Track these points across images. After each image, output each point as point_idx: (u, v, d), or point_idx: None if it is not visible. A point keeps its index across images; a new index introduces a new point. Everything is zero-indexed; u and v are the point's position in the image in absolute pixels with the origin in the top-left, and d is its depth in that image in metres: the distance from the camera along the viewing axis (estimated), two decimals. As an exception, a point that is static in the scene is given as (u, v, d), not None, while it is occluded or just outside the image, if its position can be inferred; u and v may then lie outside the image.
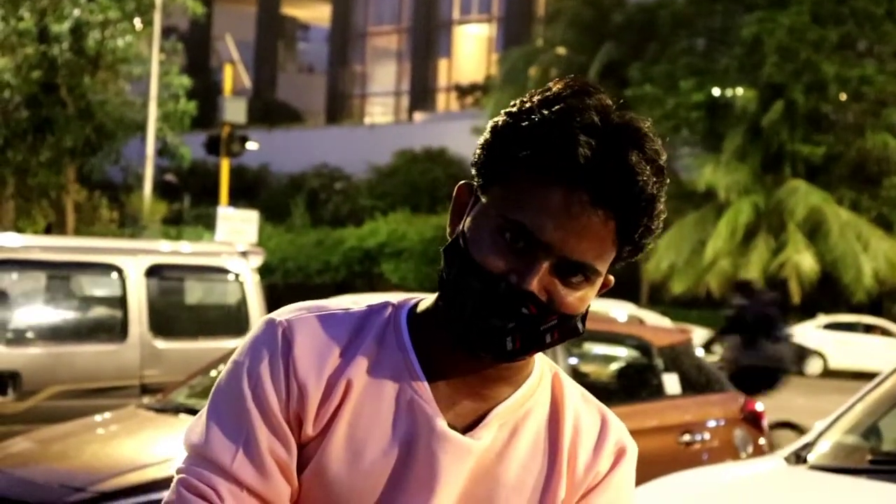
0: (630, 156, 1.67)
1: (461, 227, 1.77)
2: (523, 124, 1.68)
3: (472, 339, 1.72)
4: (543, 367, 1.91)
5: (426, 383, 1.78)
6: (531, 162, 1.67)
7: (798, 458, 4.74)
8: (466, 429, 1.80)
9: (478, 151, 1.75)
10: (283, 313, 1.80)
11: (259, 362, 1.73)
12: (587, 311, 1.79)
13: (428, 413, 1.77)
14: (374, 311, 1.84)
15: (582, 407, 1.91)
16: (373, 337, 1.79)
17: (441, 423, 1.77)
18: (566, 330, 1.76)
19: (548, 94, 1.72)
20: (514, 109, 1.72)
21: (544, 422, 1.87)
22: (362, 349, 1.77)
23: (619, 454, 1.89)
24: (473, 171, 1.77)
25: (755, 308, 17.05)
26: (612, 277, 1.82)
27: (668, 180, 1.77)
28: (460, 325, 1.73)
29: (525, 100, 1.72)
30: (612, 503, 1.89)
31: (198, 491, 1.71)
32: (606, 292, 1.84)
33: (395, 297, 1.87)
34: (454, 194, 1.82)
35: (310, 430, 1.73)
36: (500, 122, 1.73)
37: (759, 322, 16.66)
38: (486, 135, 1.74)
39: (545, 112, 1.67)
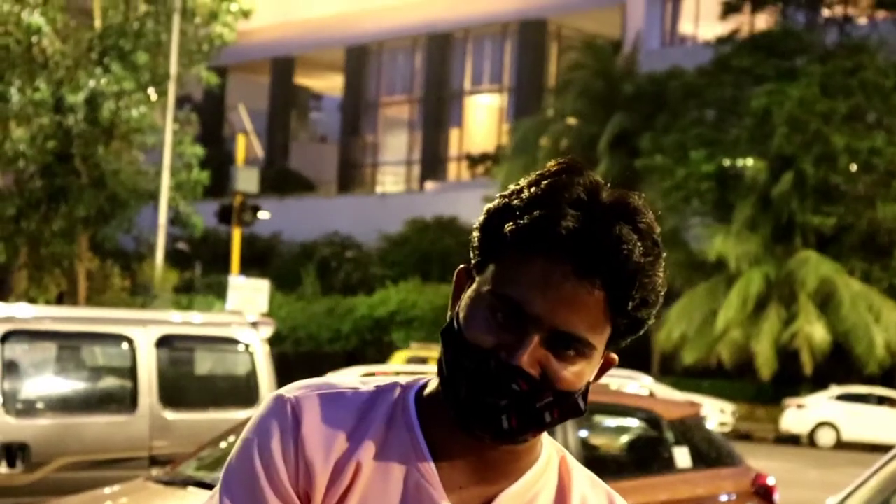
0: (615, 227, 1.66)
1: (455, 310, 1.77)
2: (513, 202, 1.70)
3: (469, 419, 1.71)
4: (551, 452, 1.89)
5: (433, 466, 1.76)
6: (519, 237, 1.67)
7: (811, 536, 4.71)
8: None
9: (474, 233, 1.77)
10: (292, 390, 1.79)
11: (269, 440, 1.71)
12: (587, 389, 1.77)
13: (434, 498, 1.74)
14: (382, 391, 1.83)
15: (589, 492, 1.88)
16: (381, 418, 1.77)
17: None
18: (566, 408, 1.74)
19: (539, 173, 1.74)
20: (508, 191, 1.74)
21: (551, 502, 1.84)
22: (371, 431, 1.75)
23: None
24: (470, 254, 1.78)
25: None
26: (615, 356, 1.81)
27: (664, 253, 1.74)
28: (458, 406, 1.72)
29: (520, 182, 1.74)
30: None
31: None
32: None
33: (403, 378, 1.85)
34: (454, 278, 1.82)
35: None
36: (493, 204, 1.75)
37: None
38: (481, 216, 1.76)
39: (534, 189, 1.69)
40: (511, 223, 1.68)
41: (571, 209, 1.65)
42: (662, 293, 1.74)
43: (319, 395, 1.77)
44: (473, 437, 1.74)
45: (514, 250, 1.69)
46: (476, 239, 1.76)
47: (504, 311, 1.69)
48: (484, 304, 1.71)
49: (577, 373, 1.71)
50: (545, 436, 1.87)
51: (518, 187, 1.72)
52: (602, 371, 1.80)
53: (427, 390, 1.82)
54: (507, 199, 1.72)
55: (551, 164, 1.75)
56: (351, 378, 1.95)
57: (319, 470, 1.71)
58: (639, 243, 1.67)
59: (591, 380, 1.76)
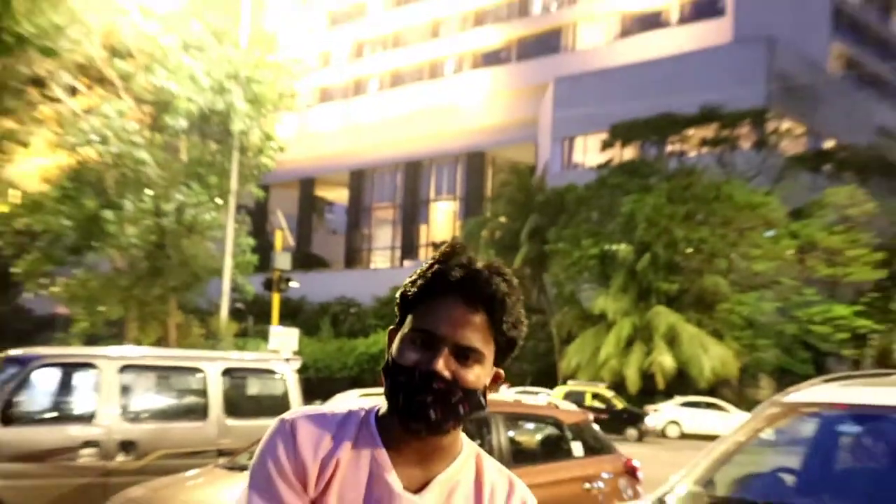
0: (485, 273, 1.79)
1: (390, 350, 1.83)
2: (419, 273, 1.83)
3: (407, 418, 1.77)
4: (470, 449, 1.92)
5: (386, 454, 1.81)
6: (426, 290, 1.79)
7: (660, 501, 4.75)
8: (416, 491, 1.81)
9: (396, 302, 1.86)
10: (291, 414, 1.86)
11: (276, 448, 1.79)
12: (485, 391, 1.82)
13: (389, 480, 1.80)
14: (352, 413, 1.88)
15: (496, 476, 1.92)
16: (352, 429, 1.83)
17: (398, 487, 1.80)
18: (473, 402, 1.80)
19: (435, 254, 1.87)
20: (414, 275, 1.85)
21: (471, 486, 1.88)
22: (345, 438, 1.81)
23: None
24: (396, 315, 1.87)
25: None
26: (502, 371, 1.88)
27: (520, 295, 1.84)
28: (398, 411, 1.78)
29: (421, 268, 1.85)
30: None
31: None
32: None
33: (366, 404, 1.94)
34: (387, 337, 1.88)
35: (311, 493, 1.77)
36: (405, 282, 1.85)
37: None
38: (399, 290, 1.86)
39: (433, 260, 1.83)
40: (421, 280, 1.81)
41: (458, 267, 1.78)
42: (525, 322, 1.86)
43: (308, 416, 1.84)
44: (412, 433, 1.79)
45: (423, 301, 1.80)
46: (396, 307, 1.86)
47: (421, 338, 1.77)
48: (407, 338, 1.79)
49: (476, 374, 1.78)
50: (465, 437, 1.93)
51: (425, 265, 1.84)
52: (494, 382, 1.87)
53: (381, 411, 1.87)
54: (416, 275, 1.83)
55: (443, 247, 1.86)
56: (332, 405, 2.05)
57: (310, 465, 1.78)
58: (503, 285, 1.79)
59: (486, 383, 1.83)
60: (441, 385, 1.75)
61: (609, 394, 37.31)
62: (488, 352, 1.80)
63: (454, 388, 1.76)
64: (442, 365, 1.75)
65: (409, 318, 1.82)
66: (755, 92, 52.92)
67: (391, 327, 1.89)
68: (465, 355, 1.77)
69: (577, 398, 34.81)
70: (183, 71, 28.08)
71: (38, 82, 29.58)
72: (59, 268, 30.89)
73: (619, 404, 36.93)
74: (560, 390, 36.92)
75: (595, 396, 36.49)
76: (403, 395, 1.77)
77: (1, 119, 30.06)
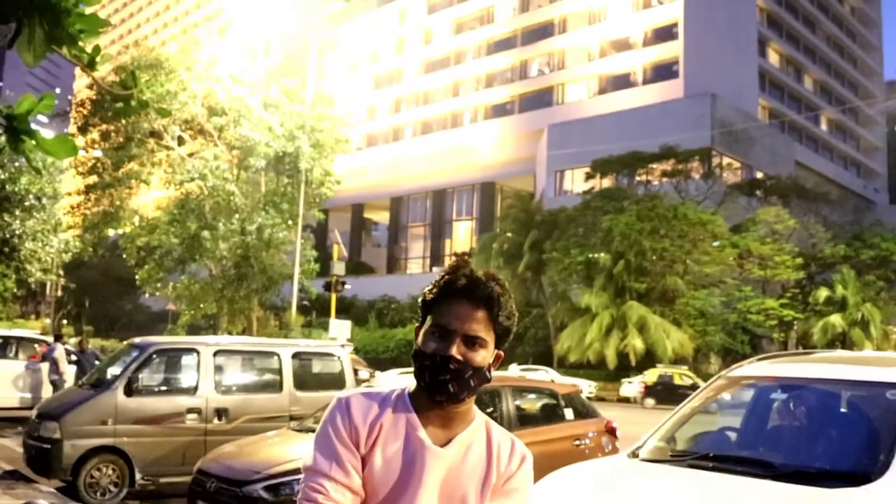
0: (483, 280, 1.87)
1: (416, 342, 1.91)
2: (436, 282, 1.91)
3: (432, 391, 1.86)
4: (480, 417, 1.98)
5: (419, 422, 1.88)
6: (440, 295, 1.88)
7: (634, 454, 4.72)
8: (441, 446, 1.88)
9: (419, 305, 1.95)
10: (345, 393, 1.93)
11: (335, 419, 1.86)
12: (489, 367, 1.89)
13: (421, 438, 1.87)
14: (392, 392, 1.95)
15: (502, 437, 1.96)
16: (392, 402, 1.90)
17: (429, 442, 1.87)
18: (481, 377, 1.87)
19: (446, 267, 1.95)
20: (433, 282, 1.92)
21: (483, 444, 1.93)
22: (387, 408, 1.89)
23: (523, 459, 1.95)
24: (419, 315, 1.95)
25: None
26: (501, 353, 1.93)
27: (510, 295, 1.92)
28: (425, 386, 1.87)
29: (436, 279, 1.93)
30: (519, 486, 1.94)
31: (313, 489, 1.81)
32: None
33: (403, 380, 1.98)
34: (415, 332, 1.95)
35: (363, 450, 1.84)
36: (426, 288, 1.92)
37: None
38: (421, 296, 1.94)
39: (444, 273, 1.93)
40: (436, 288, 1.89)
41: (463, 276, 1.87)
42: (515, 315, 1.93)
43: (358, 394, 1.92)
44: (436, 403, 1.88)
45: (437, 303, 1.88)
46: (419, 309, 1.94)
47: (439, 331, 1.86)
48: (428, 332, 1.88)
49: (482, 356, 1.86)
50: (476, 409, 1.98)
51: (438, 277, 1.92)
52: (496, 361, 1.93)
53: (412, 389, 1.93)
54: (431, 285, 1.91)
55: (451, 264, 1.95)
56: (383, 379, 2.06)
57: (361, 429, 1.85)
58: (497, 288, 1.87)
59: (490, 361, 1.89)
60: (456, 365, 1.83)
61: (691, 374, 36.17)
62: (490, 338, 1.88)
63: (466, 367, 1.84)
64: (455, 351, 1.84)
65: (428, 318, 1.90)
66: (702, 135, 52.83)
67: (416, 324, 1.97)
68: (473, 342, 1.85)
69: (667, 378, 35.19)
70: (263, 123, 28.23)
71: (156, 134, 29.84)
72: (169, 275, 31.04)
73: (700, 381, 35.99)
74: (653, 372, 36.05)
75: (681, 376, 35.61)
76: (428, 374, 1.85)
77: (128, 163, 30.35)
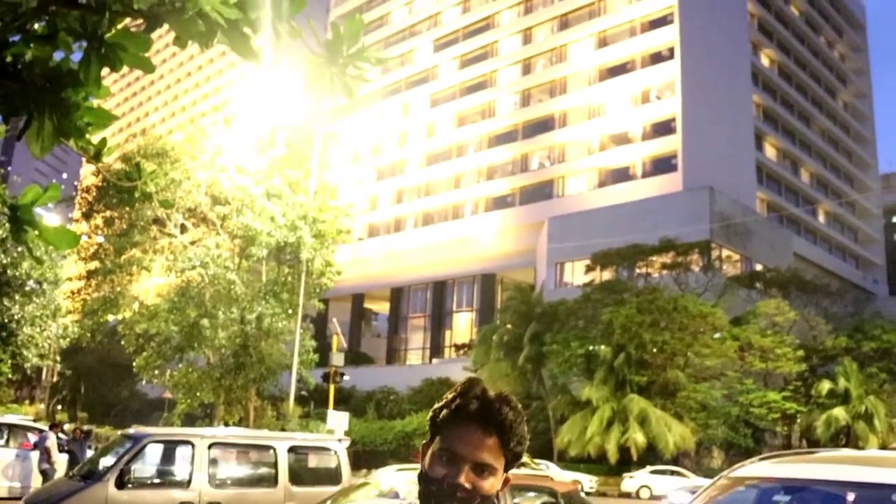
0: (496, 404, 1.80)
1: (423, 462, 1.84)
2: (446, 402, 1.84)
3: None
4: None
5: None
6: (451, 418, 1.81)
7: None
8: None
9: (428, 422, 1.87)
10: None
11: None
12: (498, 494, 1.82)
13: None
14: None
15: None
16: None
17: None
18: None
19: (457, 386, 1.87)
20: (444, 398, 1.85)
21: None
22: None
23: None
24: (428, 430, 1.87)
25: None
26: (510, 476, 1.86)
27: (523, 417, 1.84)
28: None
29: (447, 394, 1.86)
30: None
31: None
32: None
33: (402, 477, 1.90)
34: (420, 450, 1.88)
35: None
36: (437, 405, 1.86)
37: None
38: (430, 413, 1.87)
39: (455, 394, 1.84)
40: (446, 410, 1.82)
41: (474, 399, 1.80)
42: (527, 439, 1.86)
43: None
44: None
45: (448, 425, 1.81)
46: (429, 424, 1.86)
47: (447, 455, 1.78)
48: (437, 455, 1.80)
49: (491, 483, 1.79)
50: None
51: (449, 396, 1.85)
52: (505, 484, 1.85)
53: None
54: (443, 402, 1.84)
55: (463, 383, 1.87)
56: (380, 476, 1.98)
57: None
58: (510, 413, 1.80)
59: (499, 487, 1.82)
60: (464, 494, 1.77)
61: (685, 472, 36.69)
62: (499, 465, 1.82)
63: (474, 496, 1.78)
64: (464, 478, 1.77)
65: (437, 438, 1.83)
66: (701, 228, 53.18)
67: (424, 441, 1.90)
68: (482, 469, 1.79)
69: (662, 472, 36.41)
70: (265, 213, 28.47)
71: (159, 221, 30.10)
72: (167, 362, 30.86)
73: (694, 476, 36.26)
74: (649, 468, 37.31)
75: (673, 473, 36.14)
76: (434, 500, 1.78)
77: (130, 249, 30.52)
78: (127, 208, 28.80)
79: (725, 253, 55.42)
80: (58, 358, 36.86)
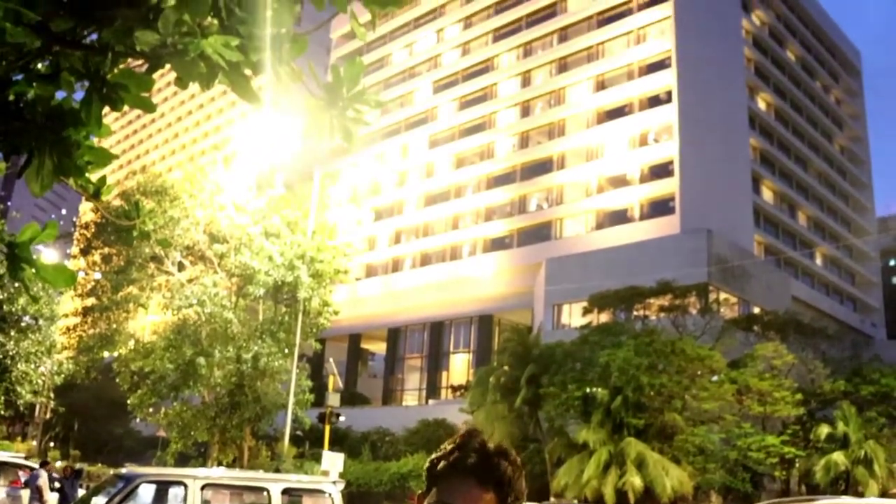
0: (497, 460, 1.76)
1: None
2: (444, 453, 1.81)
3: None
4: None
5: None
6: (449, 471, 1.77)
7: None
8: None
9: (425, 471, 1.83)
10: None
11: None
12: None
13: None
14: None
15: None
16: None
17: None
18: None
19: (456, 437, 1.84)
20: (441, 449, 1.83)
21: None
22: None
23: None
24: (424, 481, 1.83)
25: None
26: None
27: (522, 471, 1.80)
28: None
29: (446, 445, 1.83)
30: None
31: None
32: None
33: None
34: (417, 500, 1.84)
35: None
36: (434, 455, 1.83)
37: None
38: (428, 462, 1.83)
39: (454, 446, 1.81)
40: (444, 461, 1.79)
41: (473, 452, 1.76)
42: (524, 494, 1.81)
43: None
44: None
45: (445, 477, 1.77)
46: (425, 475, 1.83)
47: None
48: None
49: None
50: None
51: (447, 446, 1.82)
52: None
53: None
54: (441, 452, 1.82)
55: (462, 434, 1.84)
56: None
57: None
58: (509, 469, 1.77)
59: None
60: None
61: None
62: None
63: None
64: None
65: (434, 489, 1.79)
66: (699, 271, 53.31)
67: (420, 491, 1.87)
68: None
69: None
70: (264, 252, 28.49)
71: (156, 259, 30.12)
72: (162, 400, 30.66)
73: None
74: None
75: None
76: None
77: (128, 286, 30.48)
78: (125, 246, 28.84)
79: (723, 296, 55.48)
80: (51, 395, 36.62)
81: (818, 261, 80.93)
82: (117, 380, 31.82)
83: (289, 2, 2.32)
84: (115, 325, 31.20)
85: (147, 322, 42.76)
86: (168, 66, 2.33)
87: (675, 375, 40.91)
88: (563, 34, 72.70)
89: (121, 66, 2.39)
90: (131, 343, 31.95)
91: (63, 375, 30.62)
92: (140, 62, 2.41)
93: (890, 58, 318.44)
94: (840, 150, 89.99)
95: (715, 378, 42.06)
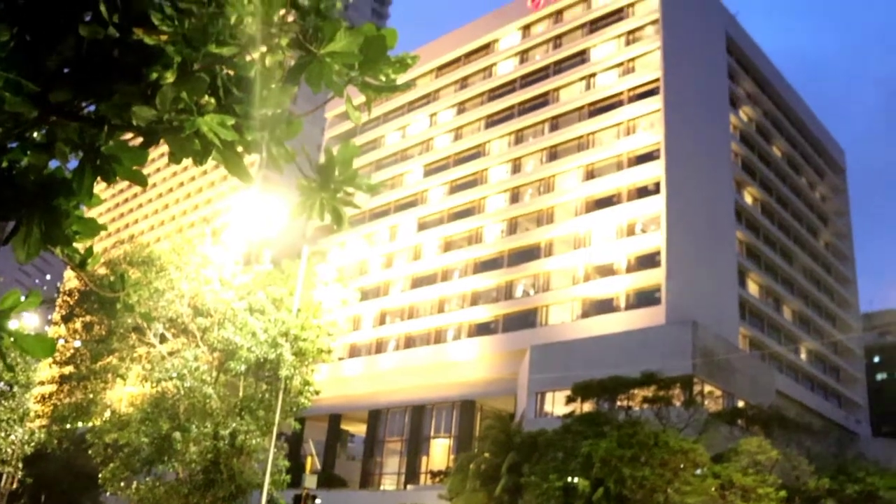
0: None
1: None
2: None
3: None
4: None
5: None
6: None
7: None
8: None
9: None
10: None
11: None
12: None
13: None
14: None
15: None
16: None
17: None
18: None
19: None
20: None
21: None
22: None
23: None
24: None
25: None
26: None
27: None
28: None
29: None
30: None
31: None
32: None
33: None
34: None
35: None
36: None
37: None
38: None
39: None
40: None
41: None
42: None
43: None
44: None
45: None
46: None
47: None
48: None
49: None
50: None
51: None
52: None
53: None
54: None
55: None
56: None
57: None
58: None
59: None
60: None
61: None
62: None
63: None
64: None
65: None
66: (684, 363, 53.21)
67: None
68: None
69: None
70: (247, 328, 28.34)
71: (138, 329, 29.88)
72: (135, 475, 29.99)
73: None
74: None
75: None
76: None
77: (108, 356, 30.14)
78: (108, 316, 28.60)
79: (707, 388, 55.23)
80: (20, 465, 35.75)
81: (803, 356, 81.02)
82: (90, 451, 31.16)
83: (286, 84, 2.36)
84: (91, 395, 30.72)
85: (124, 393, 42.16)
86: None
87: (657, 468, 40.40)
88: (555, 123, 74.03)
89: (116, 139, 2.42)
90: (107, 414, 31.42)
91: (34, 444, 29.94)
92: (134, 136, 2.43)
93: (874, 156, 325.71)
94: (825, 245, 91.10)
95: (698, 472, 41.55)
